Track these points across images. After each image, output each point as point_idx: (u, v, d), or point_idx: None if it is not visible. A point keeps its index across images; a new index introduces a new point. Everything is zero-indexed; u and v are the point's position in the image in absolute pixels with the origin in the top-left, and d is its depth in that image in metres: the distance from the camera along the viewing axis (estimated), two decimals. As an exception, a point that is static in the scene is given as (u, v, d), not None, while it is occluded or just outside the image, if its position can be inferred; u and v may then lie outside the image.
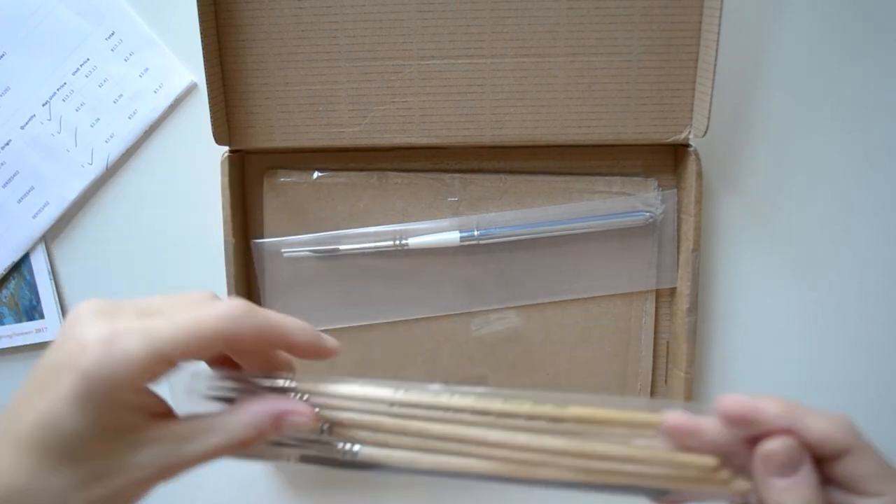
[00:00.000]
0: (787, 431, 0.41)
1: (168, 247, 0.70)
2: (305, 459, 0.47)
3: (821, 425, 0.41)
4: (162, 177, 0.71)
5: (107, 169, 0.70)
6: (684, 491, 0.41)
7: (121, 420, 0.40)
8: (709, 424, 0.41)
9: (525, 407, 0.41)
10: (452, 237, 0.64)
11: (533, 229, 0.65)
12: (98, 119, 0.69)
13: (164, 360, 0.39)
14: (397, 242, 0.65)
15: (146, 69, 0.69)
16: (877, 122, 0.68)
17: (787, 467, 0.42)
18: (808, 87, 0.68)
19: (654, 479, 0.40)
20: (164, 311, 0.41)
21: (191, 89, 0.69)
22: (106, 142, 0.69)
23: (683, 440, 0.40)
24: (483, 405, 0.41)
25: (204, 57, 0.60)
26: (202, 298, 0.42)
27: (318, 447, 0.44)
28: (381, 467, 0.43)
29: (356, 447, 0.43)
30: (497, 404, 0.41)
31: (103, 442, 0.40)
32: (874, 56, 0.67)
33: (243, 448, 0.42)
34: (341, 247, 0.65)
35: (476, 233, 0.64)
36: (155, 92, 0.69)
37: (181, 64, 0.69)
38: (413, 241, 0.64)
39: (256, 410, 0.42)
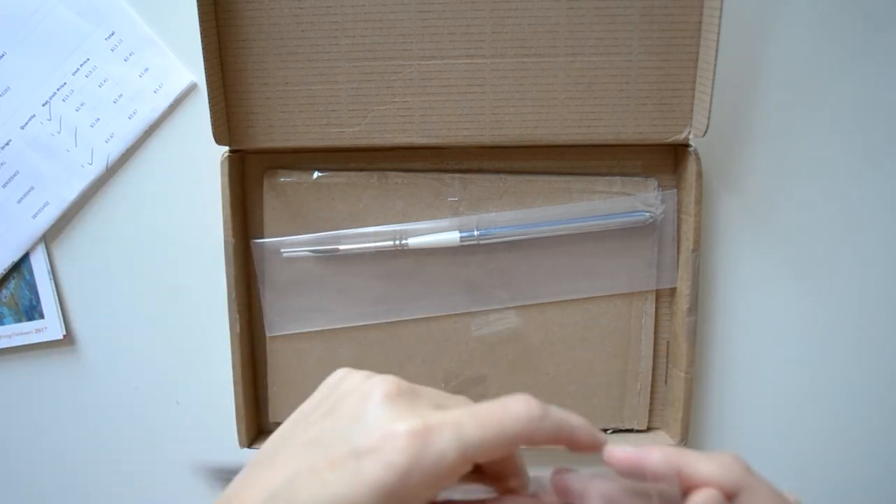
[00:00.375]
0: (694, 482, 0.41)
1: (168, 247, 0.70)
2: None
3: (707, 468, 0.41)
4: (162, 177, 0.71)
5: (107, 169, 0.70)
6: None
7: None
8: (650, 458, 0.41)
9: None
10: (452, 237, 0.64)
11: (533, 229, 0.64)
12: (98, 119, 0.69)
13: (469, 463, 0.37)
14: (397, 242, 0.65)
15: (146, 69, 0.69)
16: (877, 122, 0.68)
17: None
18: (808, 87, 0.68)
19: None
20: (450, 404, 0.40)
21: (191, 89, 0.69)
22: (106, 142, 0.69)
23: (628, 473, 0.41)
24: None
25: (204, 57, 0.60)
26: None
27: None
28: None
29: None
30: None
31: None
32: (874, 56, 0.67)
33: None
34: (341, 247, 0.65)
35: (476, 233, 0.64)
36: (155, 92, 0.69)
37: (181, 64, 0.69)
38: (413, 241, 0.64)
39: None
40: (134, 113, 0.69)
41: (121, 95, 0.69)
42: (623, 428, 0.70)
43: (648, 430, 0.70)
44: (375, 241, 0.65)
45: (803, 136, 0.69)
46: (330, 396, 0.41)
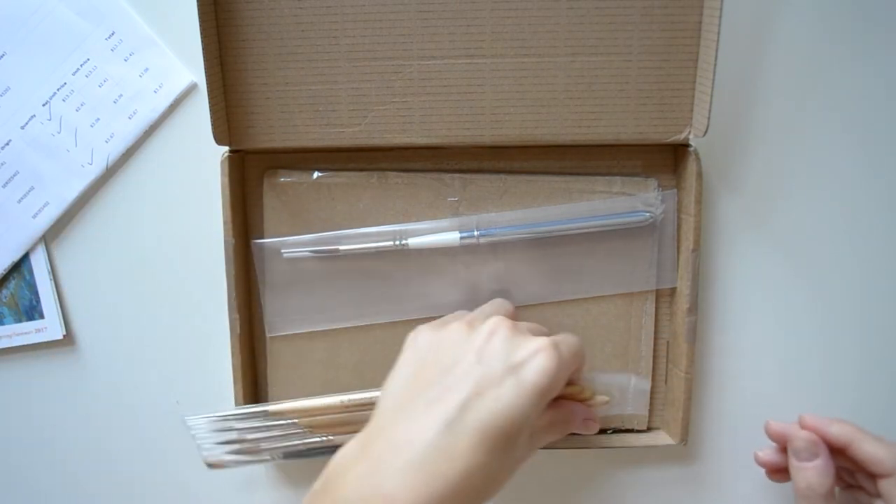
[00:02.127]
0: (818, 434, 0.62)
1: (168, 247, 0.70)
2: (288, 455, 0.65)
3: (873, 449, 0.59)
4: (162, 177, 0.71)
5: (107, 169, 0.70)
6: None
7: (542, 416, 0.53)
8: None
9: None
10: (452, 237, 0.64)
11: (533, 229, 0.64)
12: (98, 119, 0.69)
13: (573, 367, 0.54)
14: (397, 243, 0.64)
15: (146, 69, 0.69)
16: (878, 122, 0.68)
17: (803, 453, 0.61)
18: (809, 87, 0.68)
19: None
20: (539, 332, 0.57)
21: (191, 89, 0.69)
22: (106, 142, 0.69)
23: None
24: None
25: (204, 57, 0.60)
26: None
27: (301, 441, 0.64)
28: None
29: (329, 436, 0.64)
30: None
31: (530, 432, 0.51)
32: (875, 55, 0.67)
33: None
34: (341, 247, 0.65)
35: (476, 233, 0.64)
36: (155, 92, 0.69)
37: (181, 64, 0.69)
38: (413, 242, 0.64)
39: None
40: (134, 113, 0.69)
41: (121, 95, 0.69)
42: (623, 428, 0.70)
43: (649, 429, 0.70)
44: (376, 242, 0.65)
45: (804, 136, 0.69)
46: (433, 354, 0.53)
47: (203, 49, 0.59)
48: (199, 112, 0.69)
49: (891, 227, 0.70)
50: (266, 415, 0.64)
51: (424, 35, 0.62)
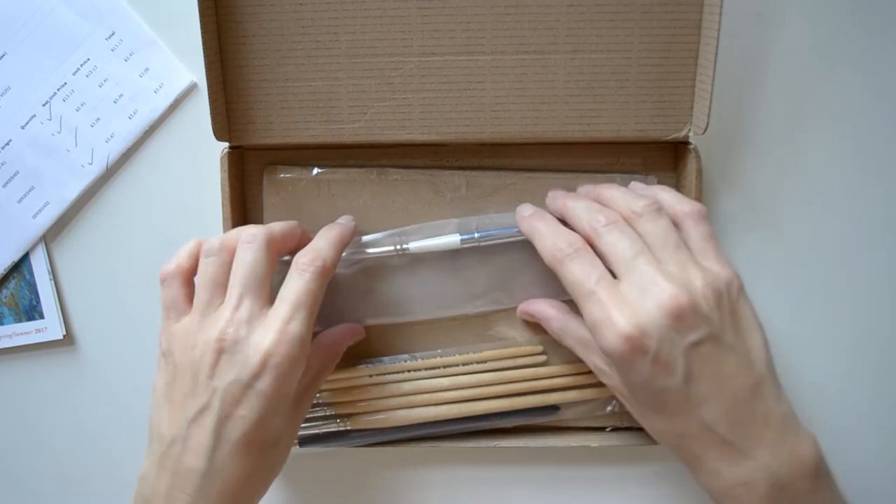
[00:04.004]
0: None
1: (168, 247, 0.69)
2: (304, 442, 0.67)
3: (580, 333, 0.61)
4: (162, 177, 0.71)
5: (107, 169, 0.70)
6: None
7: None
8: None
9: (457, 358, 0.67)
10: (453, 240, 0.64)
11: None
12: (98, 119, 0.69)
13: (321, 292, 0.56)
14: (398, 248, 0.64)
15: (146, 69, 0.69)
16: (878, 118, 0.68)
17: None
18: (810, 85, 0.68)
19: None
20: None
21: (191, 89, 0.70)
22: (106, 142, 0.70)
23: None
24: (431, 363, 0.67)
25: (204, 53, 0.60)
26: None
27: (318, 427, 0.67)
28: (369, 432, 0.67)
29: (348, 421, 0.67)
30: (439, 360, 0.67)
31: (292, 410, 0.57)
32: (876, 53, 0.68)
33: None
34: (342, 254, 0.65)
35: (476, 235, 0.64)
36: (155, 92, 0.69)
37: (181, 64, 0.69)
38: (413, 245, 0.64)
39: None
40: (134, 113, 0.69)
41: (121, 95, 0.69)
42: (622, 426, 0.69)
43: None
44: (375, 248, 0.65)
45: (804, 133, 0.69)
46: (178, 356, 0.55)
47: (203, 45, 0.59)
48: (199, 112, 0.70)
49: (890, 224, 0.70)
50: None
51: (424, 31, 0.62)
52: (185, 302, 0.57)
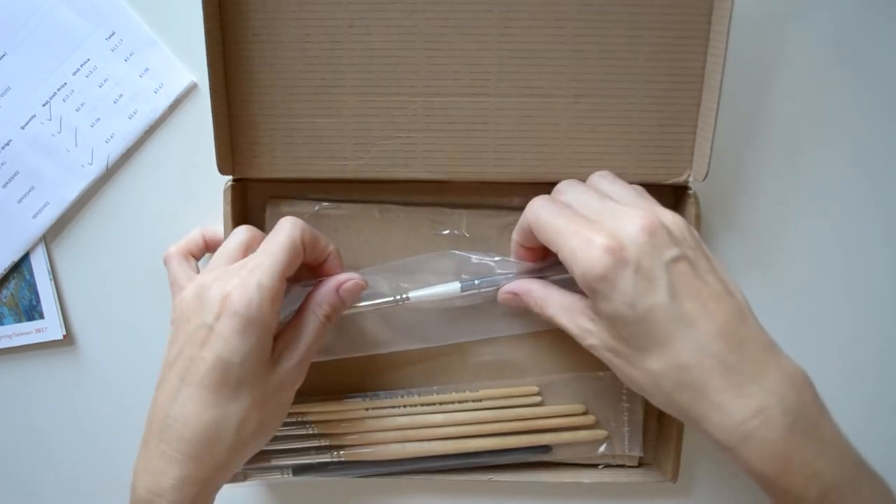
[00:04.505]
0: None
1: (168, 247, 0.71)
2: (298, 471, 0.68)
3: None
4: (162, 177, 0.71)
5: (107, 169, 0.70)
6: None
7: (268, 344, 0.55)
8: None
9: (453, 395, 0.68)
10: (453, 288, 0.63)
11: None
12: (98, 119, 0.69)
13: (284, 279, 0.54)
14: (398, 297, 0.63)
15: (146, 69, 0.69)
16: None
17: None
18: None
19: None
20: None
21: (191, 89, 0.70)
22: (106, 142, 0.70)
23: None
24: (427, 399, 0.68)
25: (210, 86, 0.60)
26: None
27: (314, 457, 0.67)
28: (362, 465, 0.67)
29: (342, 452, 0.67)
30: (435, 397, 0.68)
31: (262, 365, 0.54)
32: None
33: (329, 323, 0.59)
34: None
35: (477, 282, 0.63)
36: (155, 92, 0.69)
37: (181, 64, 0.69)
38: (414, 295, 0.63)
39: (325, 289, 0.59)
40: (134, 113, 0.69)
41: (121, 95, 0.69)
42: (614, 464, 0.70)
43: (640, 465, 0.70)
44: (374, 300, 0.64)
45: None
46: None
47: (210, 78, 0.60)
48: (200, 112, 0.70)
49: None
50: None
51: (430, 72, 0.62)
52: (186, 278, 0.61)
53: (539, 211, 0.56)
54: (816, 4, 0.67)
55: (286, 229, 0.56)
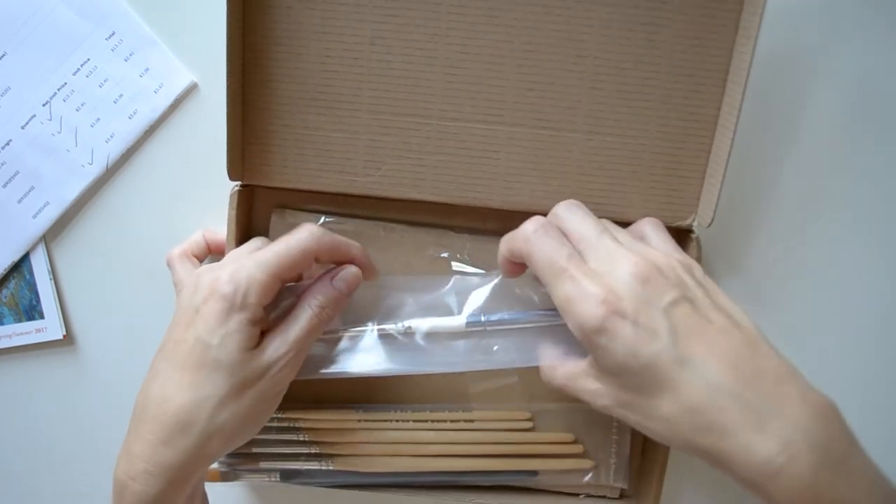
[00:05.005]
0: None
1: (168, 247, 0.70)
2: (286, 476, 0.68)
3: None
4: (162, 177, 0.71)
5: (107, 169, 0.70)
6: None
7: (249, 332, 0.54)
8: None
9: (446, 414, 0.69)
10: (458, 323, 0.63)
11: (538, 315, 0.63)
12: (98, 119, 0.69)
13: (278, 278, 0.55)
14: (400, 326, 0.63)
15: (146, 69, 0.69)
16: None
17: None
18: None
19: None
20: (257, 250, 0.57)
21: (191, 89, 0.70)
22: (106, 142, 0.69)
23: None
24: (419, 416, 0.68)
25: (227, 92, 0.60)
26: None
27: (302, 463, 0.67)
28: (350, 474, 0.68)
29: (331, 461, 0.67)
30: (427, 414, 0.68)
31: (242, 351, 0.53)
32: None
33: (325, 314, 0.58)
34: (346, 333, 0.64)
35: (483, 318, 0.63)
36: (155, 92, 0.69)
37: (181, 64, 0.69)
38: (416, 325, 0.63)
39: (320, 281, 0.59)
40: (134, 113, 0.69)
41: (121, 95, 0.69)
42: (596, 494, 0.70)
43: (621, 497, 0.71)
44: (379, 325, 0.64)
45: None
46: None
47: (227, 85, 0.60)
48: (200, 112, 0.70)
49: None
50: (278, 419, 0.67)
51: (446, 96, 0.62)
52: (190, 277, 0.60)
53: (534, 241, 0.54)
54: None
55: (301, 235, 0.56)
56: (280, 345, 0.55)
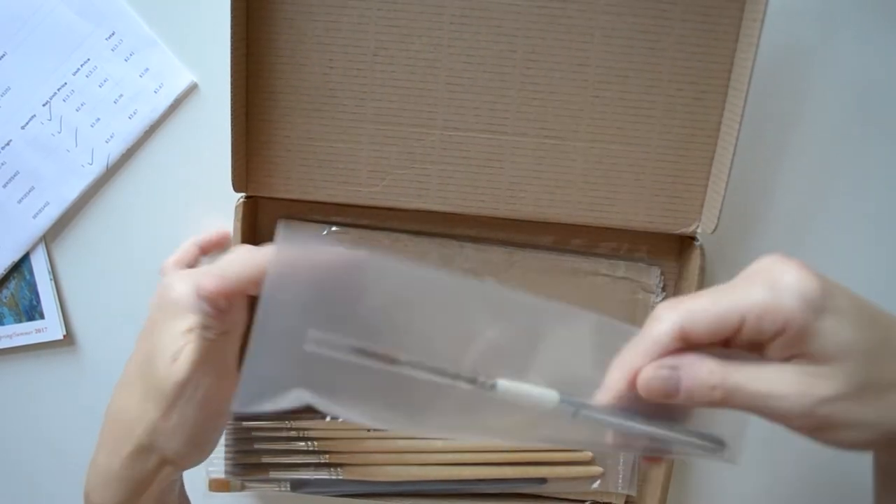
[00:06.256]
0: None
1: (168, 247, 0.70)
2: (296, 486, 0.68)
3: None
4: (162, 177, 0.71)
5: (107, 169, 0.70)
6: None
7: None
8: None
9: None
10: (550, 398, 0.42)
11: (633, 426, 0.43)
12: (98, 119, 0.69)
13: (239, 291, 0.48)
14: (482, 382, 0.42)
15: (146, 69, 0.69)
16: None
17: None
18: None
19: None
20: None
21: (191, 89, 0.69)
22: (106, 142, 0.69)
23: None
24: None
25: (231, 104, 0.60)
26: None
27: (313, 472, 0.67)
28: (360, 483, 0.67)
29: (340, 470, 0.67)
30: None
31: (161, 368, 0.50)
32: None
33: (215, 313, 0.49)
34: (401, 369, 0.41)
35: (581, 411, 0.42)
36: (155, 92, 0.69)
37: (181, 64, 0.69)
38: (503, 386, 0.42)
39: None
40: (134, 113, 0.69)
41: (121, 95, 0.69)
42: (601, 501, 0.71)
43: None
44: (445, 377, 0.42)
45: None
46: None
47: (231, 97, 0.60)
48: (200, 112, 0.70)
49: None
50: (289, 429, 0.67)
51: (450, 106, 0.62)
52: None
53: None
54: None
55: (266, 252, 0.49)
56: (180, 354, 0.50)
